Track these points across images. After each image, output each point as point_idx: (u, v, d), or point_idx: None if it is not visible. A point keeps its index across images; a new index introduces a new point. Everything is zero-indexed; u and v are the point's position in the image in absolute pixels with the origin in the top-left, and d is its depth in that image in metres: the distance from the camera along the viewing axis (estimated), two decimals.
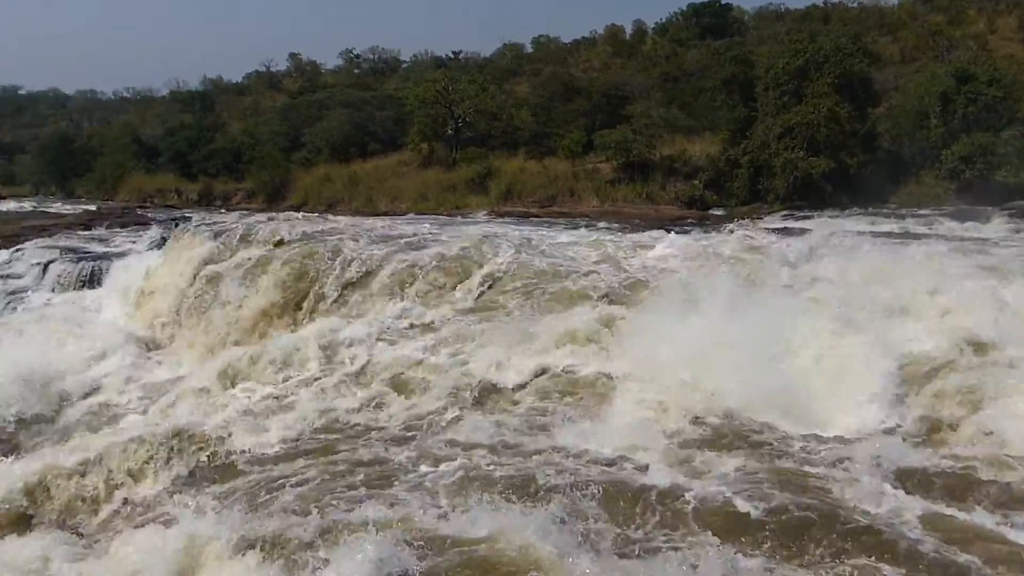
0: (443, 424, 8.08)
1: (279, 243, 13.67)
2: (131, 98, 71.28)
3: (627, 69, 36.21)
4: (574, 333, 9.28)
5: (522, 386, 8.73)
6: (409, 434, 7.99)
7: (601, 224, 18.92)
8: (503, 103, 31.65)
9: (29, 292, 16.17)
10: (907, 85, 23.97)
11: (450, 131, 31.75)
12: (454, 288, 11.38)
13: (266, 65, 58.90)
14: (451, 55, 51.68)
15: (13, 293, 16.23)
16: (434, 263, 11.88)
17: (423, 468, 6.89)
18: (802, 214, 20.07)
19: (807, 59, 22.47)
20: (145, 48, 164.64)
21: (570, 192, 25.69)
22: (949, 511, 5.73)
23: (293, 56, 57.50)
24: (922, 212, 18.28)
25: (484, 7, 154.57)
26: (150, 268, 15.17)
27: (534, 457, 6.97)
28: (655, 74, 33.10)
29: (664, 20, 43.95)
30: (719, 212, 22.48)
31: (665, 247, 13.08)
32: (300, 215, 20.43)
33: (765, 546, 5.33)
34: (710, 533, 5.52)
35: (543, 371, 8.89)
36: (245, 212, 25.05)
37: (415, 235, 14.20)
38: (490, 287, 11.31)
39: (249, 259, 13.38)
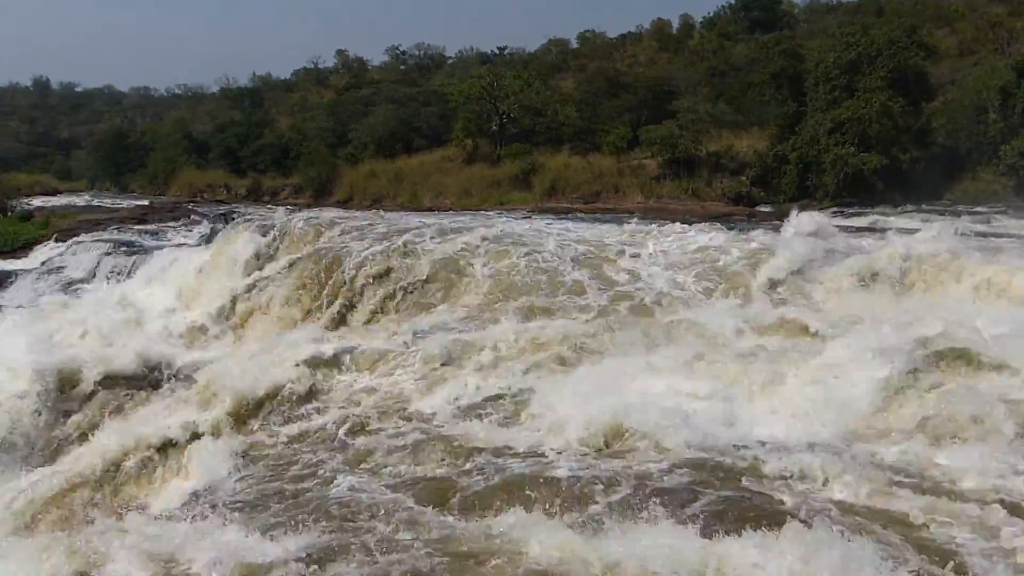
0: None
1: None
2: (183, 95, 72.86)
3: (673, 64, 35.83)
4: None
5: None
6: None
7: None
8: (548, 99, 31.57)
9: (84, 284, 16.62)
10: (964, 79, 23.28)
11: (494, 127, 31.78)
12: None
13: (314, 62, 59.72)
14: (496, 51, 51.76)
15: (68, 285, 16.72)
16: None
17: None
18: (852, 211, 19.66)
19: (859, 53, 22.00)
20: (197, 46, 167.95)
21: (614, 188, 25.53)
22: None
23: (340, 53, 58.17)
24: (978, 209, 17.74)
25: (530, 3, 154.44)
26: (197, 263, 15.44)
27: None
28: (702, 69, 32.69)
29: (712, 14, 43.47)
30: (766, 209, 22.12)
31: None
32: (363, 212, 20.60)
33: None
34: None
35: None
36: (293, 207, 25.36)
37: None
38: None
39: (298, 257, 13.51)
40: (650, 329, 9.48)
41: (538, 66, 40.29)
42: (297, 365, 9.48)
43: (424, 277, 11.97)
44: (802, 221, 12.97)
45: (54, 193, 40.78)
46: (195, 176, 39.77)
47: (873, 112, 20.77)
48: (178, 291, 14.71)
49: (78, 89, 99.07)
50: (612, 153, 27.22)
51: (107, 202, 34.21)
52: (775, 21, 39.61)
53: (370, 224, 14.59)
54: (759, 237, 12.52)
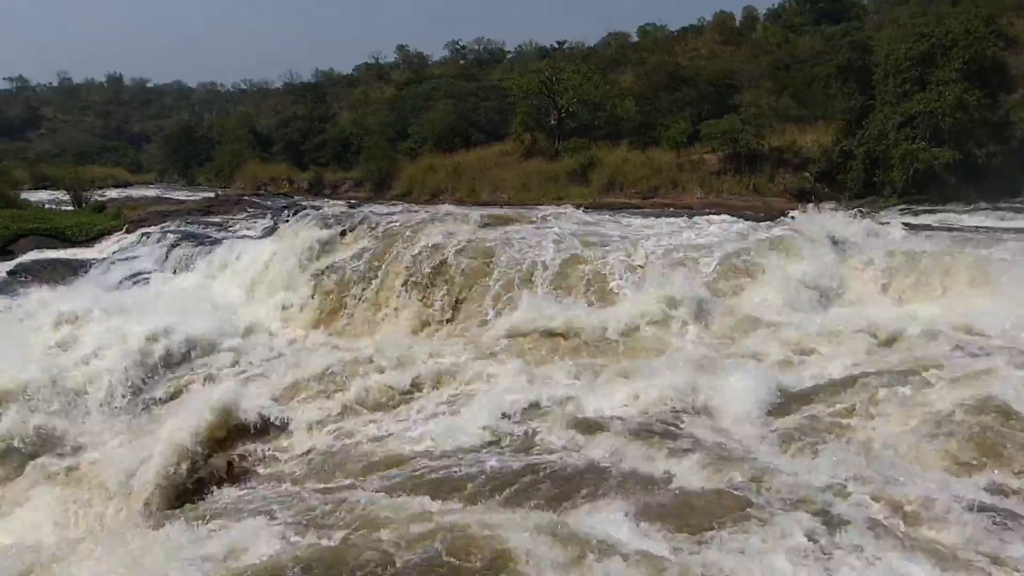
0: None
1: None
2: (248, 90, 74.67)
3: (736, 57, 35.19)
4: None
5: None
6: None
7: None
8: (607, 93, 31.33)
9: (152, 273, 17.11)
10: None
11: (553, 121, 31.68)
12: None
13: (375, 57, 60.52)
14: (555, 45, 51.61)
15: (138, 274, 17.24)
16: None
17: None
18: (921, 208, 19.03)
19: (932, 44, 21.24)
20: (262, 42, 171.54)
21: (673, 183, 25.20)
22: None
23: (401, 48, 58.89)
24: None
25: None
26: (261, 254, 15.73)
27: None
28: (765, 62, 32.03)
29: (776, 6, 42.55)
30: (831, 205, 21.54)
31: None
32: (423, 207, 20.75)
33: None
34: None
35: None
36: (353, 201, 25.72)
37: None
38: None
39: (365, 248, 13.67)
40: None
41: (597, 60, 40.01)
42: None
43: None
44: None
45: (125, 185, 42.26)
46: (259, 169, 40.64)
47: (947, 105, 20.03)
48: (245, 282, 15.06)
49: (149, 85, 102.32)
50: (671, 148, 26.86)
51: (175, 194, 35.20)
52: (842, 12, 38.53)
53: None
54: None
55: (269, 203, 26.55)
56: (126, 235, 21.20)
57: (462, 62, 55.04)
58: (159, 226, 20.66)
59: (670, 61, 35.07)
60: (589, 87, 30.91)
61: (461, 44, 57.03)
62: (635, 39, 48.69)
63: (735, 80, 30.14)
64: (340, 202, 26.54)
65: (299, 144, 40.30)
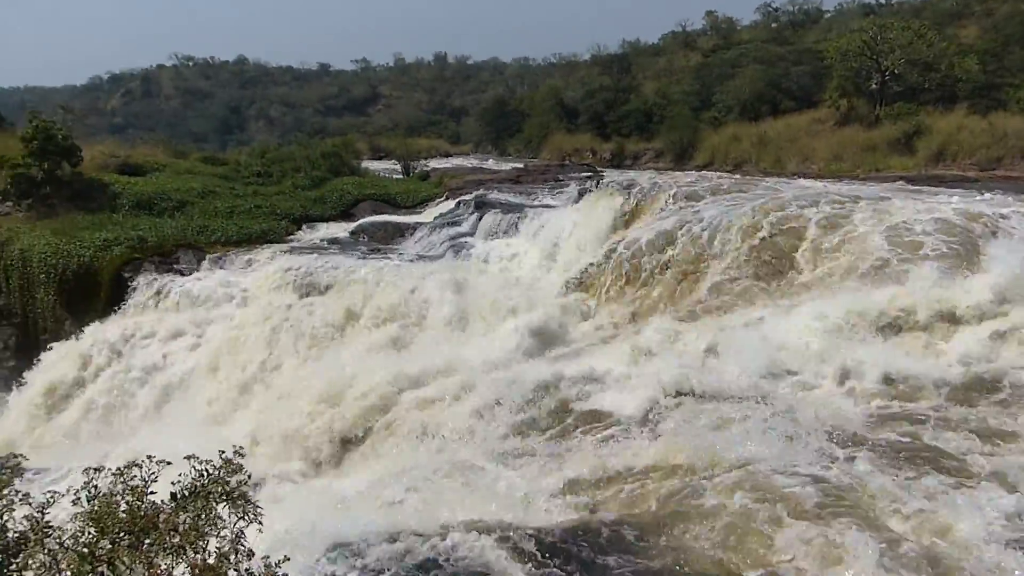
0: None
1: None
2: (557, 63, 77.46)
3: None
4: None
5: None
6: None
7: None
8: (942, 51, 27.93)
9: (467, 239, 18.65)
10: None
11: (874, 85, 28.99)
12: None
13: (682, 25, 59.47)
14: (881, 1, 46.94)
15: (455, 239, 18.88)
16: None
17: None
18: None
19: None
20: (571, 16, 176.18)
21: (1022, 154, 21.93)
22: None
23: (709, 14, 57.09)
24: None
25: None
26: (567, 223, 16.40)
27: None
28: None
29: None
30: None
31: None
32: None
33: None
34: None
35: None
36: (654, 171, 25.78)
37: None
38: None
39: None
40: None
41: (932, 14, 35.75)
42: None
43: None
44: None
45: (446, 156, 46.14)
46: (564, 140, 42.19)
47: None
48: (548, 251, 15.88)
49: (469, 62, 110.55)
50: (1022, 112, 23.34)
51: (488, 164, 37.77)
52: None
53: None
54: None
55: (572, 173, 27.50)
56: (446, 201, 23.25)
57: (774, 25, 52.18)
58: (472, 194, 22.32)
59: None
60: (921, 45, 27.77)
61: (774, 6, 54.05)
62: None
63: None
64: (644, 172, 26.72)
65: (603, 115, 41.15)
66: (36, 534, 3.53)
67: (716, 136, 32.52)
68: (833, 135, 28.15)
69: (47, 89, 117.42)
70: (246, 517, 3.59)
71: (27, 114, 23.69)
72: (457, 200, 22.17)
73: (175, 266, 18.23)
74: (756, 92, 33.70)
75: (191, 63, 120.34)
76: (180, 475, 3.77)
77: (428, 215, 22.40)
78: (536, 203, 20.24)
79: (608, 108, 41.12)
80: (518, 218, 18.29)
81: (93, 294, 17.76)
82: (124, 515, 3.47)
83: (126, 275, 17.78)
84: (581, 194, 18.80)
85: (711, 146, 32.08)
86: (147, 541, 3.46)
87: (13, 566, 3.54)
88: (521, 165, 34.02)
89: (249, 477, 3.72)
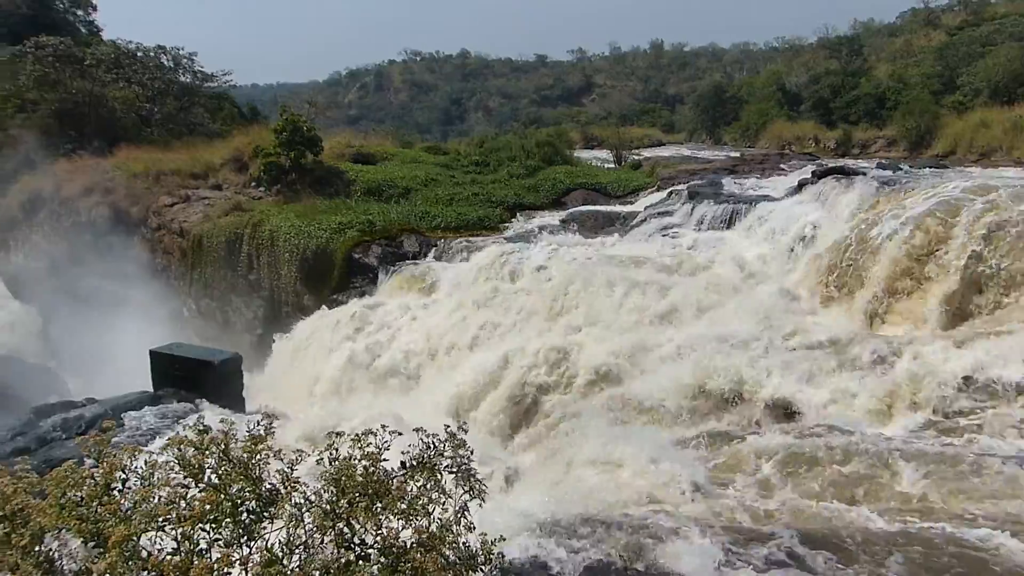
0: None
1: None
2: (780, 48, 73.79)
3: None
4: None
5: None
6: None
7: None
8: None
9: (678, 228, 18.32)
10: None
11: None
12: None
13: (924, 1, 54.42)
14: None
15: (666, 228, 18.61)
16: None
17: None
18: None
19: None
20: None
21: None
22: None
23: None
24: None
25: None
26: (790, 218, 15.66)
27: None
28: None
29: None
30: None
31: None
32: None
33: None
34: None
35: None
36: (884, 161, 23.87)
37: None
38: None
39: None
40: None
41: None
42: None
43: None
44: None
45: (659, 145, 45.53)
46: (784, 128, 40.11)
47: None
48: (775, 246, 15.28)
49: (686, 49, 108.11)
50: None
51: (702, 153, 36.80)
52: None
53: None
54: None
55: (794, 162, 26.15)
56: (657, 191, 22.98)
57: None
58: (685, 184, 21.88)
59: None
60: None
61: None
62: None
63: None
64: (873, 162, 24.87)
65: (829, 101, 38.71)
66: (286, 488, 3.95)
67: (960, 122, 29.43)
68: None
69: (295, 85, 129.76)
70: (471, 492, 3.80)
71: (278, 108, 26.34)
72: (669, 190, 21.85)
73: (398, 250, 19.52)
74: (1012, 72, 30.13)
75: (418, 57, 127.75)
76: (409, 445, 4.06)
77: (639, 204, 22.27)
78: (751, 193, 19.50)
79: (834, 94, 38.61)
80: (732, 209, 17.71)
81: (327, 272, 19.49)
82: (360, 478, 3.80)
83: (356, 255, 19.32)
84: (802, 185, 17.81)
85: (953, 133, 29.06)
86: (379, 504, 3.76)
87: (267, 514, 3.97)
88: (737, 154, 32.87)
89: (472, 452, 3.94)
